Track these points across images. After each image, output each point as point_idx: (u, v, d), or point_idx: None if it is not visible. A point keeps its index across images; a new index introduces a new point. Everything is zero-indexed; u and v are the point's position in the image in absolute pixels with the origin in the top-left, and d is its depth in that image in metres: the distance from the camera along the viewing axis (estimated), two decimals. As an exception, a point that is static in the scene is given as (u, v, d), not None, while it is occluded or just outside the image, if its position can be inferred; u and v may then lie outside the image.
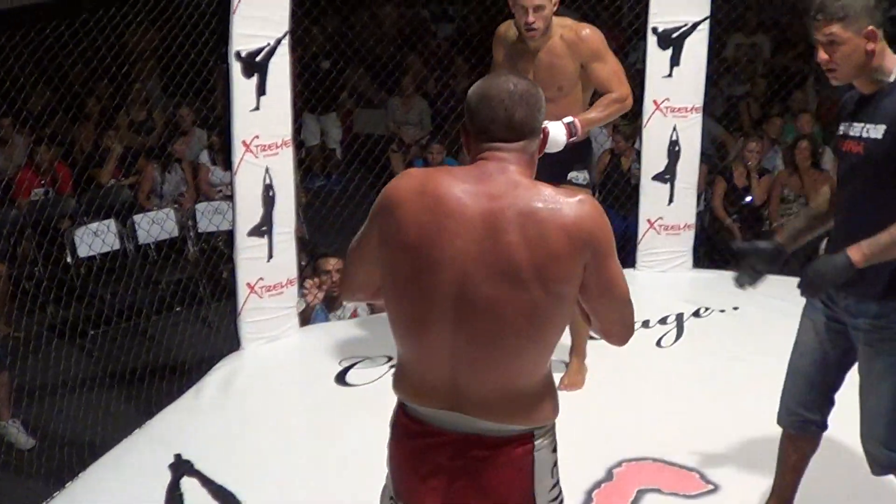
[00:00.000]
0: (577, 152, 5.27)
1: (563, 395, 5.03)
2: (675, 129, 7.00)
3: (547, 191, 2.73)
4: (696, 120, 7.04)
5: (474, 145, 2.82)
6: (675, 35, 6.88)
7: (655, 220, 7.16)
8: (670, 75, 6.88)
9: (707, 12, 6.91)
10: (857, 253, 3.57)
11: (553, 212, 2.68)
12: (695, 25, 6.89)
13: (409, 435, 2.90)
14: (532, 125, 2.80)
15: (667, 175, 7.09)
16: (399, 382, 2.92)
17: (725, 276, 6.24)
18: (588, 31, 5.30)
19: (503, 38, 5.43)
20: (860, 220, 3.67)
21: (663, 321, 6.47)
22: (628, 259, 7.36)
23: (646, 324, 6.35)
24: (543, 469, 2.86)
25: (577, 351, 5.65)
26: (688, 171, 7.14)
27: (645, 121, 7.01)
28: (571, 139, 4.99)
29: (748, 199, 8.96)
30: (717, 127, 10.19)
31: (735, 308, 6.66)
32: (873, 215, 3.61)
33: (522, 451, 2.82)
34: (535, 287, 2.67)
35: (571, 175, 5.30)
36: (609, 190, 8.53)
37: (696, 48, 6.92)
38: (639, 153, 7.51)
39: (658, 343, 6.24)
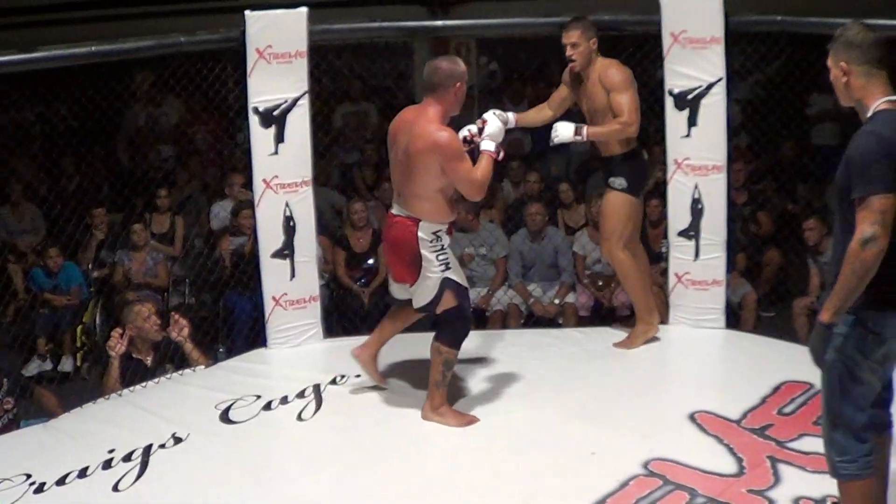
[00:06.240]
0: (622, 165, 6.81)
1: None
2: (287, 204, 7.09)
3: (425, 121, 5.68)
4: (307, 193, 7.16)
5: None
6: (275, 112, 6.99)
7: (280, 297, 7.20)
8: (276, 153, 6.98)
9: (305, 87, 7.05)
10: (824, 314, 4.03)
11: (421, 131, 5.65)
12: (295, 101, 7.03)
13: (388, 216, 6.01)
14: (437, 84, 5.76)
15: (286, 251, 7.14)
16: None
17: (358, 343, 6.38)
18: (612, 67, 6.67)
19: (569, 71, 6.90)
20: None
21: (301, 395, 6.47)
22: (259, 339, 7.37)
23: (284, 400, 6.36)
24: (424, 241, 5.76)
25: (638, 312, 7.10)
26: (306, 244, 7.24)
27: (257, 200, 7.05)
28: (576, 137, 6.56)
29: (370, 261, 9.06)
30: (336, 195, 10.30)
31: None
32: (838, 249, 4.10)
33: (411, 223, 5.77)
34: (409, 160, 5.70)
35: (611, 180, 6.86)
36: (237, 276, 8.27)
37: (299, 122, 7.06)
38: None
39: (299, 416, 6.25)
